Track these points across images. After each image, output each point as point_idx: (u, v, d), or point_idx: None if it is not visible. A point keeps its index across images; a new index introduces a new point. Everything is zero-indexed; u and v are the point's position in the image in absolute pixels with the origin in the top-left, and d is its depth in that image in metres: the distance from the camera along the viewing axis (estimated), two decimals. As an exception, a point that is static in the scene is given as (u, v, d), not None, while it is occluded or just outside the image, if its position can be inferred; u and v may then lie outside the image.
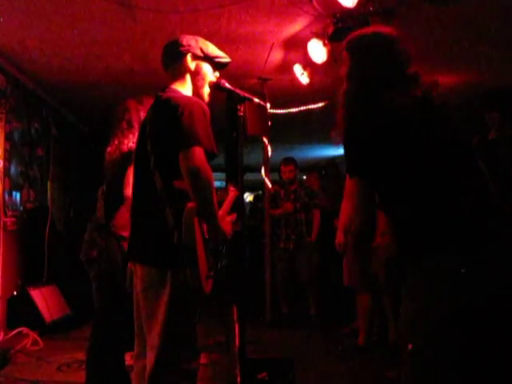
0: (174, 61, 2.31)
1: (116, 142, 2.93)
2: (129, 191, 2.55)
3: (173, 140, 2.07)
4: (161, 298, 2.07)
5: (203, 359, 4.00)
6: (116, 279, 2.76)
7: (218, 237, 2.14)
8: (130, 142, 2.87)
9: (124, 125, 2.95)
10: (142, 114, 2.74)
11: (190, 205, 2.04)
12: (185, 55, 2.28)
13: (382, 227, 4.30)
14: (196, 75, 2.30)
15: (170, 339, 2.08)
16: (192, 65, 2.29)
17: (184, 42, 2.29)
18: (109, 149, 2.95)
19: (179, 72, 2.30)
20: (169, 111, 2.10)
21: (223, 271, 2.19)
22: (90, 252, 2.88)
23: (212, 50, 2.35)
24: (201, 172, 2.01)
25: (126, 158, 2.81)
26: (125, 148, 2.89)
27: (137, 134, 2.76)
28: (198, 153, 2.02)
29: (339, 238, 4.69)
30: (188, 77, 2.30)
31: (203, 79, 2.32)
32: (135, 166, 2.33)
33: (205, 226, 2.11)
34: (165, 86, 2.29)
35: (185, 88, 2.29)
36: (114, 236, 2.83)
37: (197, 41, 2.32)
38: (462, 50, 4.90)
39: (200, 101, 2.21)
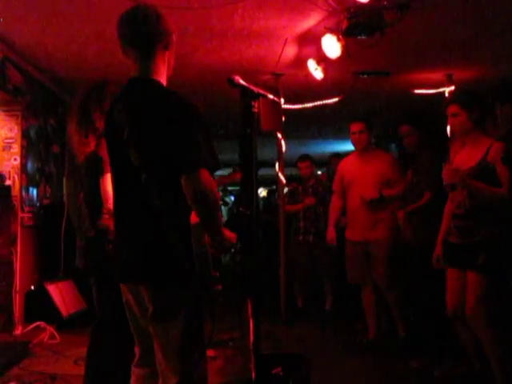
0: (151, 40, 2.01)
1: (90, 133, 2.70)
2: (111, 205, 2.34)
3: (171, 157, 1.84)
4: (177, 317, 1.90)
5: (211, 352, 4.02)
6: (114, 285, 2.42)
7: (223, 250, 2.05)
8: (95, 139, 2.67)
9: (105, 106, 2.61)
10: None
11: (193, 220, 1.92)
12: (169, 35, 2.05)
13: (369, 222, 4.30)
14: (172, 54, 2.11)
15: (189, 352, 1.94)
16: (171, 44, 2.07)
17: (163, 20, 2.04)
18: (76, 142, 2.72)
19: (157, 53, 2.02)
20: (163, 119, 1.85)
21: (237, 267, 2.20)
22: (81, 261, 2.84)
23: None
24: (208, 195, 1.84)
25: (92, 164, 2.61)
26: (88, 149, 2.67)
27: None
28: (204, 175, 1.82)
29: (331, 232, 4.69)
30: (165, 57, 2.05)
31: (173, 55, 2.12)
32: (114, 176, 2.08)
33: (207, 240, 2.04)
34: (139, 76, 2.01)
35: (162, 72, 2.04)
36: (103, 243, 2.65)
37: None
38: (478, 44, 4.85)
39: (195, 101, 1.93)
